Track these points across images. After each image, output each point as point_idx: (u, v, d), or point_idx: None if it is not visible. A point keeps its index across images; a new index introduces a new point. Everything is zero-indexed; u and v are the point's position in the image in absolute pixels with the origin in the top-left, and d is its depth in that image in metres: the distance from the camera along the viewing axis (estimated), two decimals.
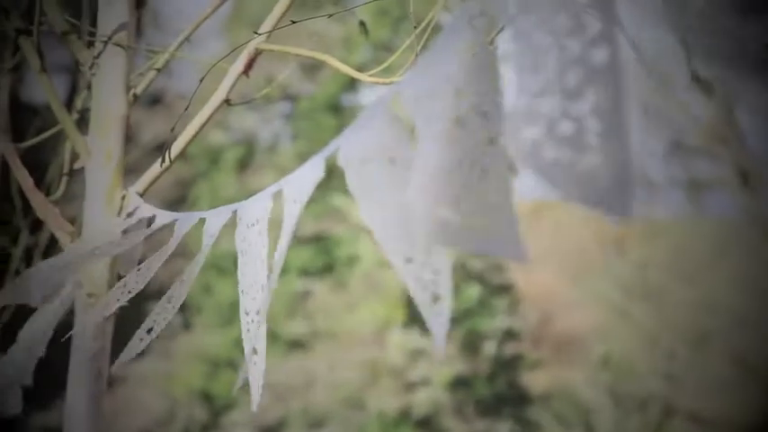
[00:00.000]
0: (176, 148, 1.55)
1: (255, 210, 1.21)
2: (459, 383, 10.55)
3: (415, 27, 1.51)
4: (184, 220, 1.36)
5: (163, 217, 1.43)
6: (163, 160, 1.55)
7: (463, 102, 0.84)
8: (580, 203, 0.77)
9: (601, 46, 0.77)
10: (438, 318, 0.93)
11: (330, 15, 1.65)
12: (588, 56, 0.77)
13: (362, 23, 2.10)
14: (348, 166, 0.96)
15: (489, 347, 10.82)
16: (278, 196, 1.11)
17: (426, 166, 0.86)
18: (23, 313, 1.53)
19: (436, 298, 0.94)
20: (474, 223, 0.87)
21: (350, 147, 0.97)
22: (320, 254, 10.66)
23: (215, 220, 1.29)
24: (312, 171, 1.03)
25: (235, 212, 1.25)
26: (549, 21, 0.77)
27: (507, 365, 11.01)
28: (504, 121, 0.84)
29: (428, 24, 1.50)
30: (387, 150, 0.95)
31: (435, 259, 0.94)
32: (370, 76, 1.47)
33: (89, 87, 1.64)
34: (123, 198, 1.57)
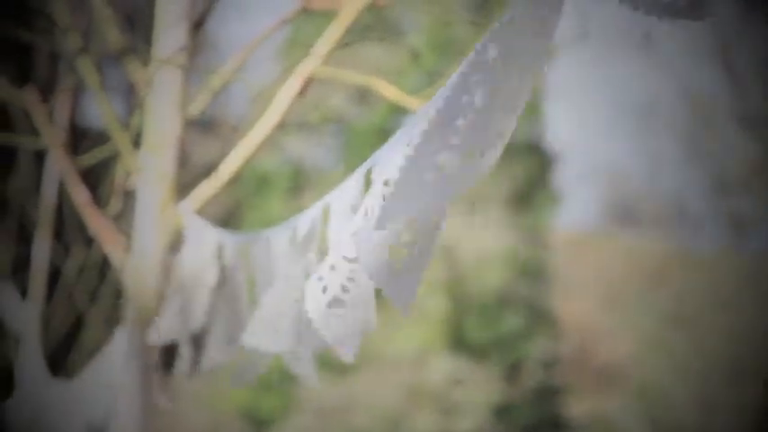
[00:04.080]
0: (228, 168, 1.57)
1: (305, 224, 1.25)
2: (500, 410, 10.48)
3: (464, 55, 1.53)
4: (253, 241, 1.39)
5: (221, 235, 1.46)
6: (213, 178, 1.57)
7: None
8: None
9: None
10: (335, 320, 1.01)
11: (382, 40, 1.67)
12: None
13: (415, 51, 2.12)
14: (375, 181, 1.00)
15: (531, 375, 10.75)
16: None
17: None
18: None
19: (337, 302, 1.01)
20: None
21: (379, 167, 1.01)
22: None
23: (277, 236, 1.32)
24: (355, 183, 1.08)
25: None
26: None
27: (548, 393, 10.93)
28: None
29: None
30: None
31: (357, 270, 1.00)
32: (418, 102, 1.49)
33: (143, 107, 1.67)
34: (175, 216, 1.60)
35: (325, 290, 1.06)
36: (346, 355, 1.08)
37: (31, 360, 1.70)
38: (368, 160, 1.05)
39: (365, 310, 1.07)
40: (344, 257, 1.04)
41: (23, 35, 2.32)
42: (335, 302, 1.06)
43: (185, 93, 1.68)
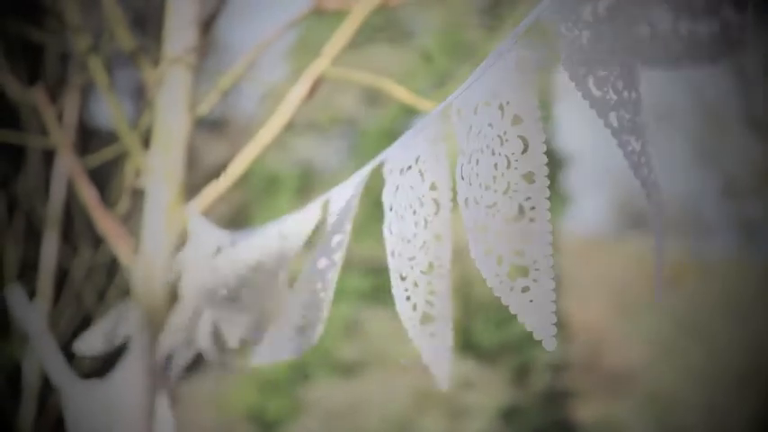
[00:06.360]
0: (237, 169, 1.57)
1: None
2: (510, 413, 10.47)
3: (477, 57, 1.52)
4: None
5: (225, 236, 1.45)
6: (222, 179, 1.57)
7: (505, 117, 0.85)
8: None
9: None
10: (429, 339, 0.94)
11: (393, 41, 1.66)
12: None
13: (427, 52, 2.12)
14: (389, 176, 0.99)
15: (540, 379, 10.74)
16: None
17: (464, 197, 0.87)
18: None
19: (427, 318, 0.94)
20: (508, 273, 0.85)
21: (392, 160, 0.99)
22: (374, 280, 10.65)
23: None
24: (359, 181, 1.06)
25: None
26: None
27: (557, 397, 10.91)
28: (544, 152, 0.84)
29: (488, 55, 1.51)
30: (420, 164, 0.97)
31: (435, 281, 0.95)
32: (429, 103, 1.48)
33: (152, 106, 1.67)
34: (183, 216, 1.59)
35: (415, 307, 1.01)
36: (442, 380, 1.01)
37: (50, 361, 1.70)
38: (380, 155, 1.03)
39: (448, 326, 1.02)
40: (420, 270, 0.99)
41: (34, 34, 2.32)
42: (426, 319, 1.00)
43: (194, 93, 1.68)
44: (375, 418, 10.34)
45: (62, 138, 1.78)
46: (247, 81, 1.78)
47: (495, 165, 0.86)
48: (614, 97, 0.75)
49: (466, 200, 0.89)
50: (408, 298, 0.98)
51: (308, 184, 11.48)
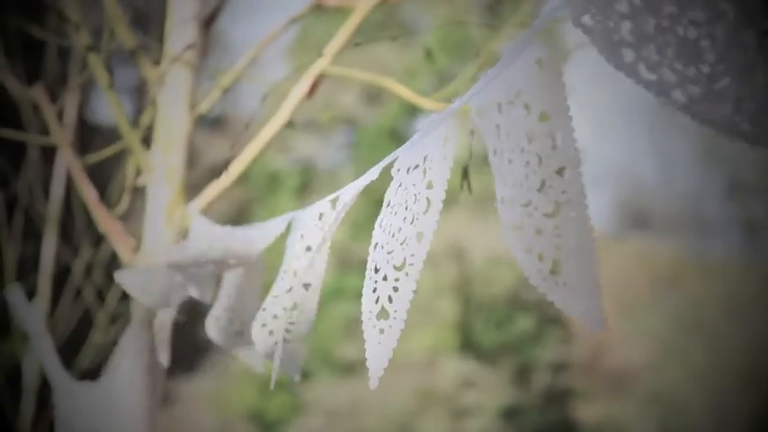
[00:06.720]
0: (237, 167, 1.56)
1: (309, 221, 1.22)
2: (511, 413, 10.47)
3: (478, 55, 1.51)
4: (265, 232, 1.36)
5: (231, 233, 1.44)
6: (223, 177, 1.56)
7: (531, 115, 0.84)
8: None
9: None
10: (377, 334, 0.94)
11: (394, 39, 1.66)
12: None
13: (429, 50, 2.11)
14: (398, 175, 0.98)
15: (541, 378, 10.74)
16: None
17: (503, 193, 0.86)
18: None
19: (383, 314, 0.94)
20: (550, 269, 0.85)
21: (403, 158, 0.98)
22: None
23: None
24: (367, 177, 1.04)
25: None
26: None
27: (558, 397, 10.91)
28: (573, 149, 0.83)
29: (490, 53, 1.50)
30: (426, 162, 0.96)
31: (402, 279, 0.94)
32: (431, 102, 1.47)
33: (153, 104, 1.66)
34: (184, 215, 1.59)
35: (377, 300, 1.00)
36: (373, 378, 1.00)
37: (48, 362, 1.69)
38: (391, 154, 1.02)
39: (398, 327, 1.00)
40: (393, 265, 0.98)
41: (34, 32, 2.31)
42: (382, 314, 0.99)
43: (195, 91, 1.67)
44: (375, 417, 10.34)
45: (62, 136, 1.77)
46: (248, 79, 1.77)
47: (527, 162, 0.85)
48: (673, 77, 0.74)
49: (502, 199, 0.89)
50: (375, 290, 0.97)
51: (308, 183, 11.49)
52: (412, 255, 0.96)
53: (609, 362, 12.00)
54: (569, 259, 0.85)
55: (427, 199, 0.95)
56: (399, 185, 0.98)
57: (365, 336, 0.94)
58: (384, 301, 0.97)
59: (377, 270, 0.98)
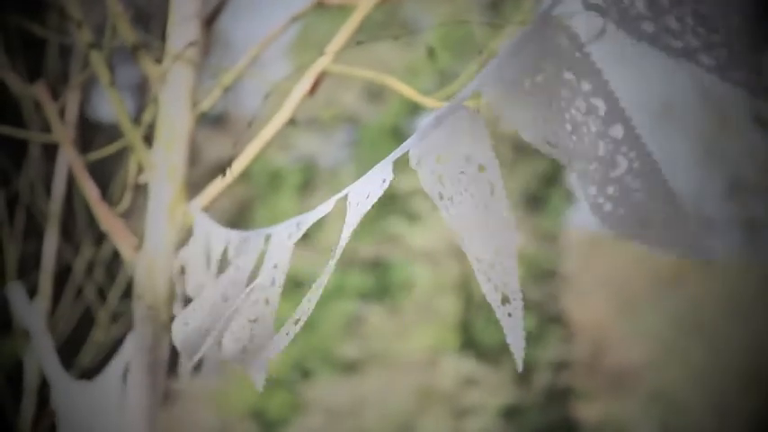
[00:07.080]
0: (239, 165, 1.56)
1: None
2: (511, 412, 10.47)
3: (480, 53, 1.51)
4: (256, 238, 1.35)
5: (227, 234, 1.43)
6: (224, 175, 1.56)
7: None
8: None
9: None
10: (507, 319, 0.94)
11: (396, 37, 1.65)
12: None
13: (431, 48, 2.11)
14: (421, 165, 0.97)
15: (542, 377, 10.74)
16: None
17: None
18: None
19: (505, 299, 0.95)
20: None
21: (422, 147, 0.97)
22: (376, 278, 10.65)
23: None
24: (380, 173, 1.03)
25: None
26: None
27: (559, 396, 10.92)
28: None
29: (492, 51, 1.50)
30: (462, 147, 0.95)
31: (505, 261, 0.95)
32: (433, 101, 1.47)
33: (155, 102, 1.66)
34: (185, 213, 1.58)
35: (496, 288, 1.02)
36: (518, 360, 1.01)
37: (47, 361, 1.69)
38: (399, 148, 1.01)
39: (520, 307, 1.02)
40: (493, 251, 1.01)
41: (35, 30, 2.31)
42: (505, 300, 1.01)
43: (197, 89, 1.67)
44: (376, 416, 10.34)
45: (64, 133, 1.77)
46: (250, 77, 1.77)
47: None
48: (698, 42, 0.74)
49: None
50: (489, 279, 0.98)
51: (309, 181, 11.49)
52: (503, 239, 0.97)
53: (609, 361, 12.01)
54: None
55: (489, 183, 0.96)
56: (433, 174, 0.97)
57: (502, 324, 0.97)
58: (501, 287, 0.98)
59: (479, 260, 0.99)
